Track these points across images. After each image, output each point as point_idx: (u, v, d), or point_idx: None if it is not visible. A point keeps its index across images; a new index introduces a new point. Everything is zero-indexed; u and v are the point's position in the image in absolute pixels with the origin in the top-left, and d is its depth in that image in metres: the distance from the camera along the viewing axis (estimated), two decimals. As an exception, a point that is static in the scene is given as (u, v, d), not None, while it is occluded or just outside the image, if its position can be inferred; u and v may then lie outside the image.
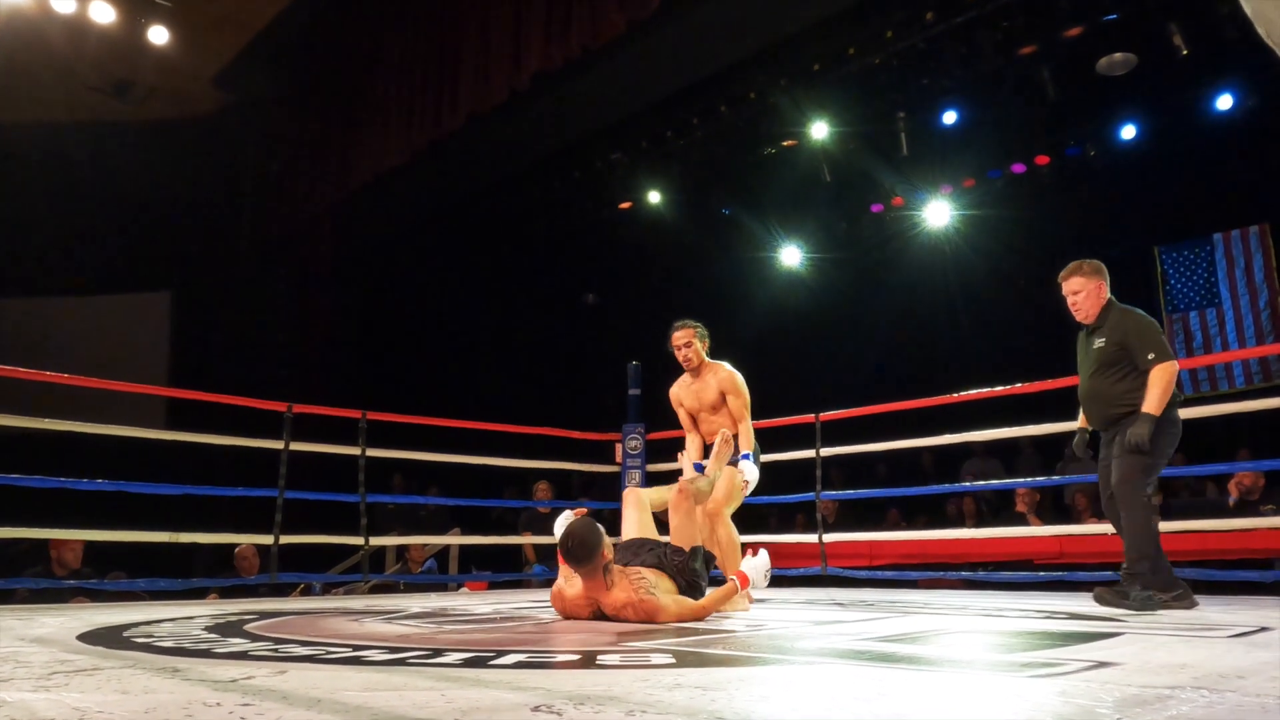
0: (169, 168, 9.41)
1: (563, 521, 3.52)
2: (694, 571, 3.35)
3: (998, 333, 9.59)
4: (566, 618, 3.31)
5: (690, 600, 3.22)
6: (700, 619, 3.19)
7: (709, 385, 4.28)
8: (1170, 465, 5.70)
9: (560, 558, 3.25)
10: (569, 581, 3.27)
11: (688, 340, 4.30)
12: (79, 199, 9.11)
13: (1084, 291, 3.88)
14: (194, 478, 5.56)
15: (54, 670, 1.99)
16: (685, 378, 4.40)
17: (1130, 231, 8.95)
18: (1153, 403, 3.58)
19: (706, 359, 4.34)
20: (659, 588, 3.16)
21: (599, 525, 3.16)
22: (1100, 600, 3.76)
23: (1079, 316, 3.94)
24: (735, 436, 4.11)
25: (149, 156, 9.25)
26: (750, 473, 4.08)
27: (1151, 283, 8.82)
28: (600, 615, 3.19)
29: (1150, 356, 3.64)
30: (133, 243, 9.56)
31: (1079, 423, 4.15)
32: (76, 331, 9.33)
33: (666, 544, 3.51)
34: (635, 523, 3.72)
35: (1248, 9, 1.64)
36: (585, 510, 3.87)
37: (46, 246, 9.19)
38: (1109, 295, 3.94)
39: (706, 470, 4.08)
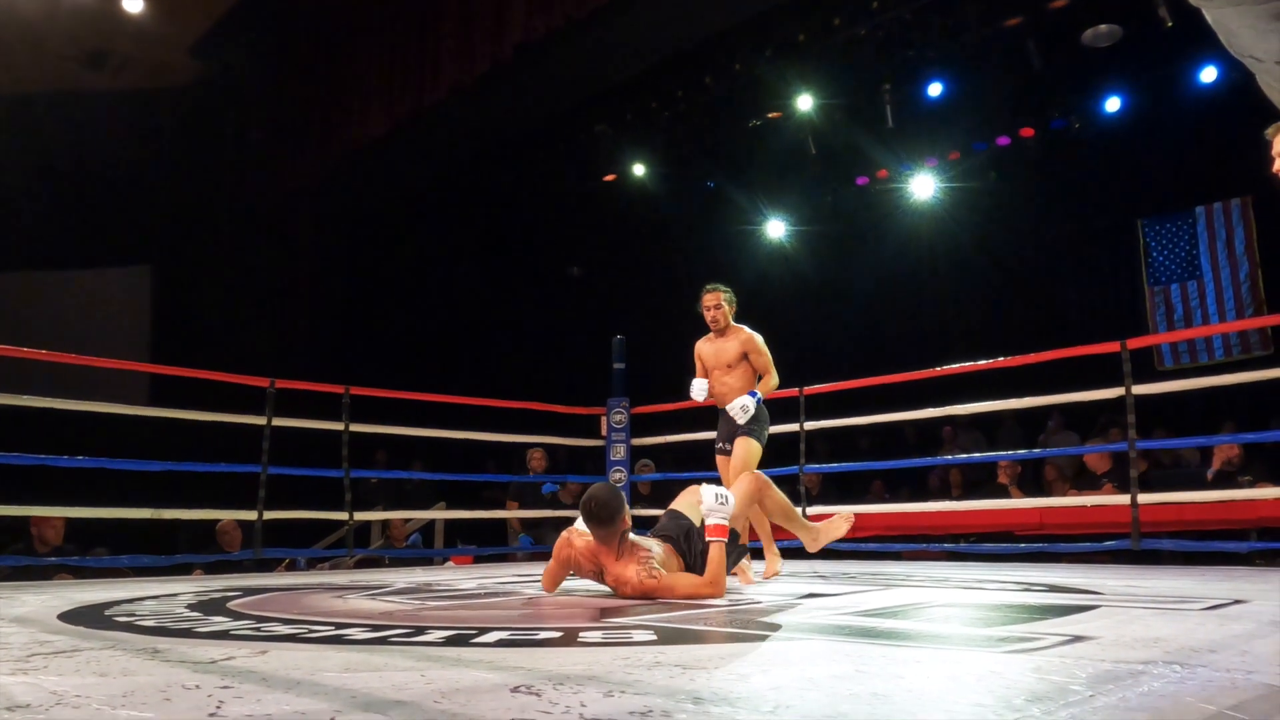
0: (146, 139, 9.27)
1: (713, 493, 3.33)
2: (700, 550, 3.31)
3: (981, 306, 9.64)
4: (565, 568, 3.34)
5: (694, 577, 3.18)
6: (710, 595, 3.13)
7: (730, 345, 4.65)
8: (1151, 439, 5.77)
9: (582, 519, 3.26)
10: (580, 533, 3.29)
11: (717, 303, 4.64)
12: (54, 172, 8.96)
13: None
14: (177, 454, 5.53)
15: (33, 652, 1.98)
16: (711, 335, 4.73)
17: (1113, 204, 8.99)
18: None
19: (732, 322, 4.69)
20: (666, 564, 3.18)
21: (621, 492, 3.17)
22: None
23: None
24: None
25: (125, 128, 9.11)
26: (742, 401, 4.49)
27: (1134, 255, 8.86)
28: (599, 580, 3.24)
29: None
30: (111, 216, 9.43)
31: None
32: (56, 307, 9.21)
33: (693, 525, 3.43)
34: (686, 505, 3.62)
35: (1209, 17, 1.62)
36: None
37: (21, 220, 9.06)
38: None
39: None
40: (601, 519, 3.11)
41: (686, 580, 3.17)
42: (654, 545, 3.26)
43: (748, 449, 4.52)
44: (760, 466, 6.71)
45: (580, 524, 3.33)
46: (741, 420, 4.48)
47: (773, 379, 4.65)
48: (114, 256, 9.90)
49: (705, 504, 3.25)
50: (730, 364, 4.64)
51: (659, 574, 3.11)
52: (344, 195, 10.48)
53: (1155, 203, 8.77)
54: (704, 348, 4.77)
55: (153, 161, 9.44)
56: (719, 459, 4.75)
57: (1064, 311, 9.26)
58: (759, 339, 4.64)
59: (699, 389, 4.68)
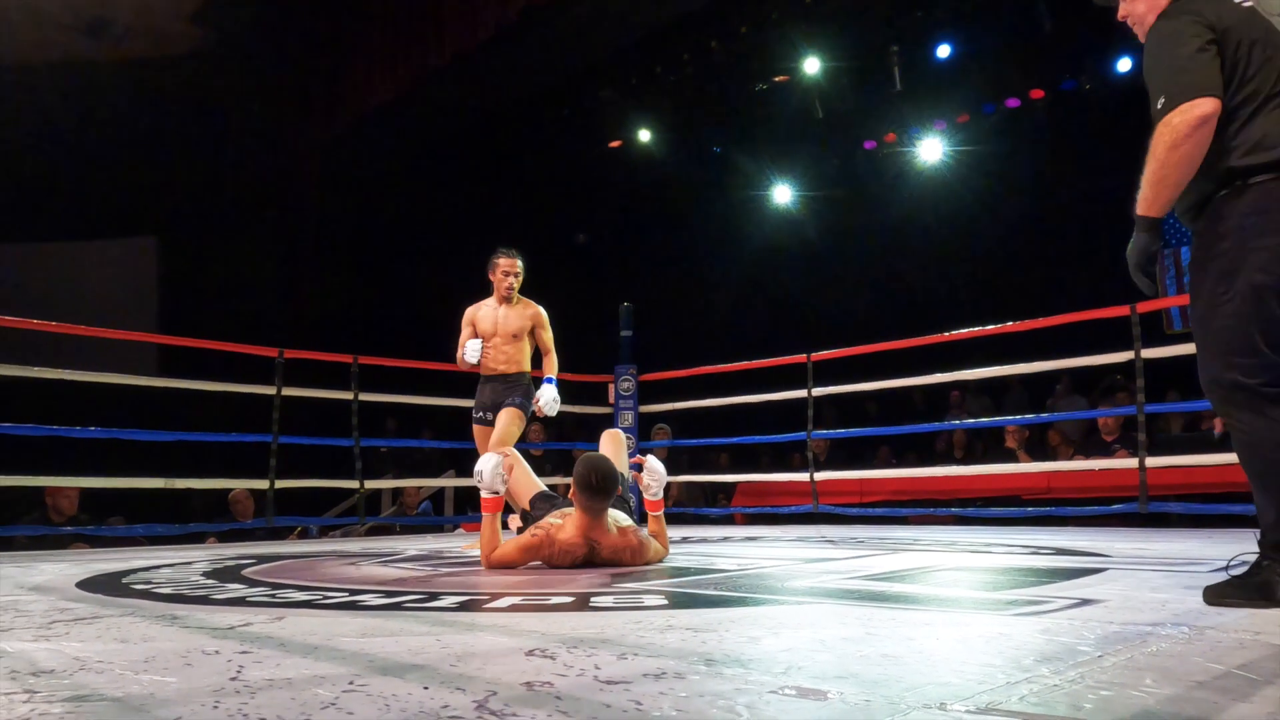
0: (149, 109, 9.22)
1: (490, 466, 3.22)
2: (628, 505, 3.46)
3: (990, 270, 9.58)
4: (530, 559, 3.13)
5: (660, 540, 3.33)
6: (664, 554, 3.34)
7: (517, 315, 4.61)
8: (1161, 401, 5.76)
9: (580, 495, 3.01)
10: (560, 527, 3.10)
11: (519, 270, 4.61)
12: (58, 143, 8.93)
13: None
14: (187, 424, 5.58)
15: (54, 619, 2.01)
16: (491, 301, 4.65)
17: (1124, 165, 8.86)
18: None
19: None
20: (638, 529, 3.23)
21: None
22: None
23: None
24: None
25: (128, 98, 9.06)
26: (552, 393, 4.53)
27: (1145, 218, 8.78)
28: (588, 561, 3.07)
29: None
30: (115, 187, 9.41)
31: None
32: (64, 279, 9.23)
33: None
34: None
35: None
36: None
37: (26, 192, 9.05)
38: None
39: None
40: (609, 491, 3.02)
41: (660, 544, 3.31)
42: (618, 514, 3.25)
43: (510, 420, 4.46)
44: (768, 432, 6.76)
45: (549, 520, 3.16)
46: (552, 412, 4.49)
47: (554, 354, 4.65)
48: (119, 228, 9.89)
49: (647, 484, 3.35)
50: (515, 334, 4.58)
51: (643, 536, 3.21)
52: (349, 163, 10.42)
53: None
54: (484, 314, 4.64)
55: (156, 132, 9.40)
56: (478, 428, 4.61)
57: (1073, 275, 9.21)
58: (546, 314, 4.65)
59: (474, 350, 4.50)
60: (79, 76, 9.00)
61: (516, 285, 4.58)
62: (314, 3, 9.62)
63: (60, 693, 1.25)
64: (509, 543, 3.19)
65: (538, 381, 4.64)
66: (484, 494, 3.26)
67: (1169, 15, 2.01)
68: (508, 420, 4.46)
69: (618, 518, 3.20)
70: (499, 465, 3.24)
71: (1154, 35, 2.02)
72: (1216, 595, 1.97)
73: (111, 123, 8.95)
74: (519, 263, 4.59)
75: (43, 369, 4.78)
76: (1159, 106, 1.93)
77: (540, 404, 4.49)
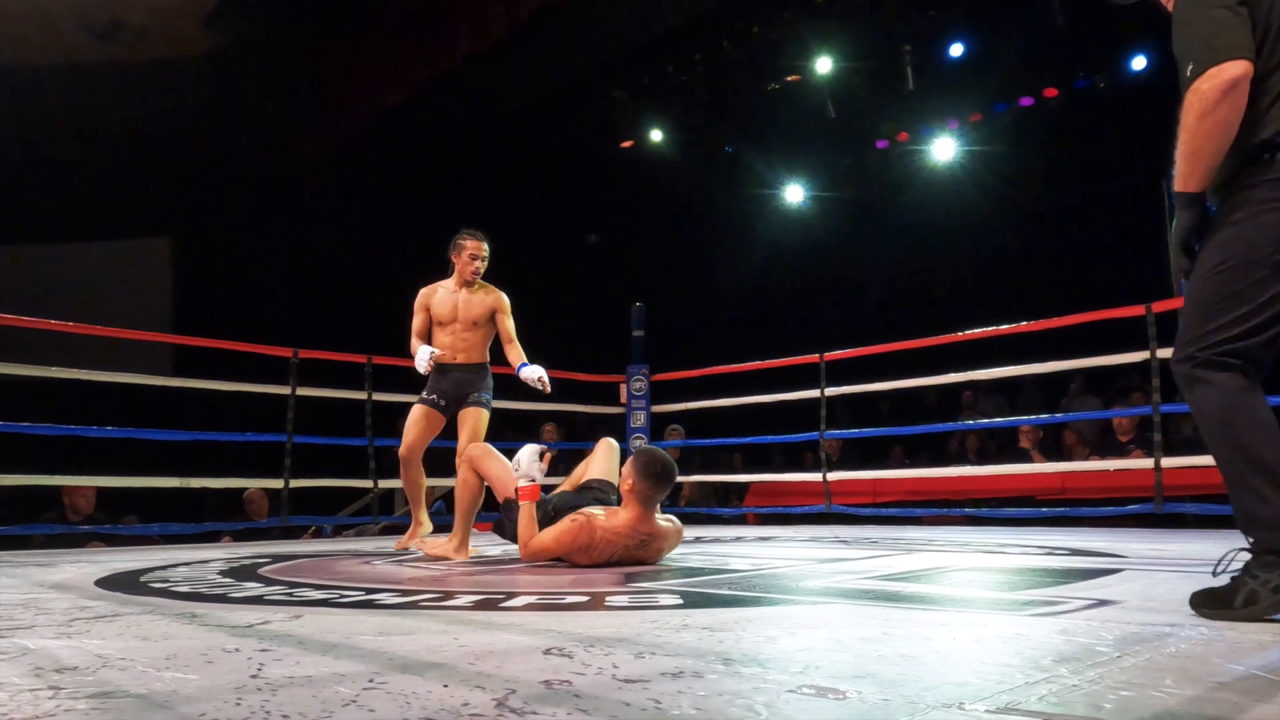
0: (163, 111, 9.27)
1: (528, 454, 3.30)
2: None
3: (1003, 270, 9.55)
4: (585, 558, 3.06)
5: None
6: None
7: (479, 301, 4.23)
8: (1175, 403, 5.70)
9: (643, 484, 3.04)
10: (602, 516, 3.10)
11: (487, 254, 4.26)
12: (73, 145, 9.00)
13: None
14: (203, 424, 5.61)
15: (74, 617, 2.03)
16: (449, 284, 4.28)
17: (1138, 164, 8.84)
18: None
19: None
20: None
21: None
22: None
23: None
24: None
25: (142, 101, 9.11)
26: (539, 370, 4.12)
27: (1159, 215, 8.73)
28: (630, 556, 3.06)
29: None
30: (130, 189, 9.47)
31: None
32: (79, 279, 9.30)
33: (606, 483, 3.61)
34: (604, 468, 3.71)
35: None
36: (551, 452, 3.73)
37: (41, 194, 9.11)
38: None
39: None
40: (672, 479, 3.13)
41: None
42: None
43: (481, 421, 4.20)
44: (780, 431, 6.75)
45: (595, 508, 3.19)
46: (545, 390, 4.11)
47: (518, 342, 4.28)
48: (134, 229, 9.96)
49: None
50: (476, 321, 4.22)
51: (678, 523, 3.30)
52: (362, 164, 10.48)
53: (1181, 163, 8.61)
54: (441, 297, 4.25)
55: (171, 134, 9.45)
56: (425, 409, 4.25)
57: (1088, 274, 9.16)
58: (508, 300, 4.30)
59: (424, 361, 4.07)
60: (93, 79, 9.06)
61: (482, 269, 4.25)
62: (326, 5, 9.66)
63: (85, 689, 1.26)
64: (546, 532, 3.16)
65: (437, 367, 4.22)
66: (521, 482, 3.28)
67: None
68: (477, 420, 4.20)
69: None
70: (536, 453, 3.29)
71: (1181, 1, 1.90)
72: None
73: (126, 125, 9.00)
74: (486, 246, 4.25)
75: (59, 369, 4.81)
76: (1187, 74, 1.81)
77: (539, 379, 4.09)
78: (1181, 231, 1.90)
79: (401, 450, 4.27)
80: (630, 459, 3.16)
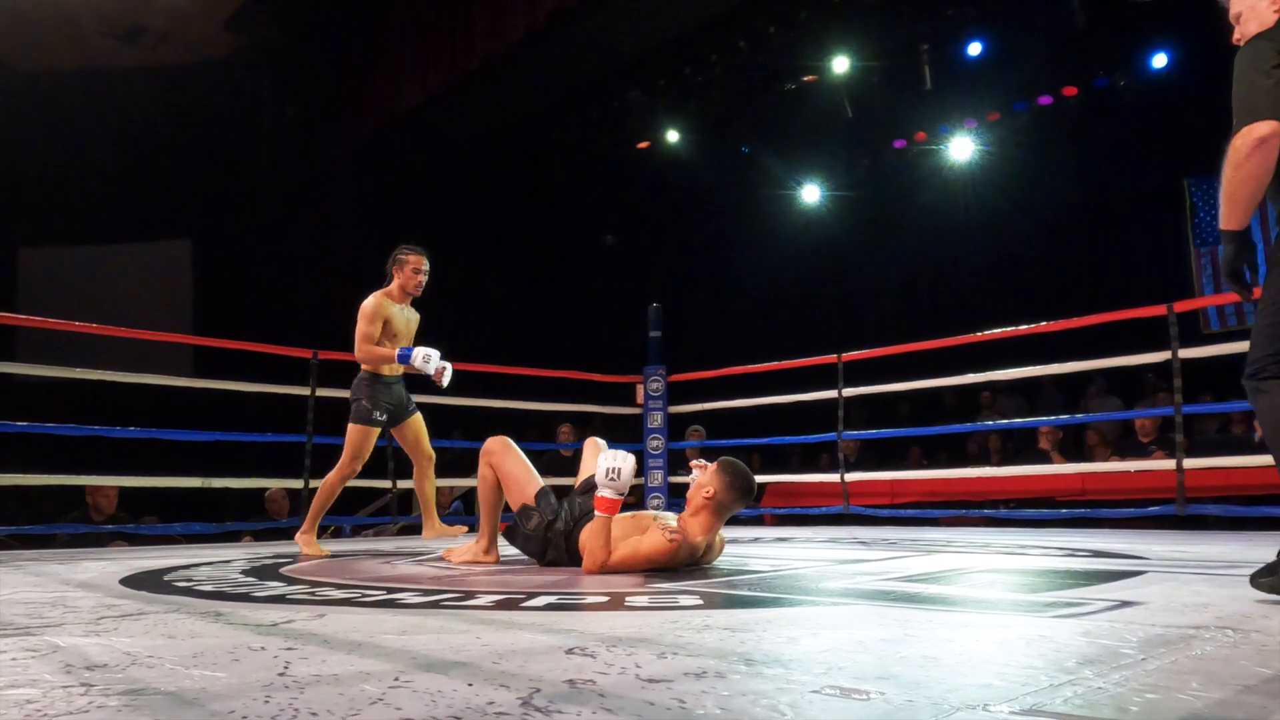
0: (184, 114, 9.36)
1: (630, 466, 2.91)
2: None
3: (1022, 270, 9.49)
4: (648, 565, 2.94)
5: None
6: None
7: (414, 316, 4.50)
8: (1197, 403, 5.68)
9: (727, 495, 2.99)
10: (681, 524, 3.02)
11: (427, 269, 4.43)
12: (95, 148, 9.09)
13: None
14: (223, 424, 5.66)
15: (102, 615, 2.06)
16: (401, 301, 4.43)
17: (1159, 163, 8.77)
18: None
19: None
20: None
21: None
22: None
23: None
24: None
25: (163, 103, 9.20)
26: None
27: (1180, 215, 8.66)
28: (686, 563, 3.01)
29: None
30: (151, 191, 9.56)
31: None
32: (101, 281, 9.40)
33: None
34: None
35: None
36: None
37: (65, 197, 9.21)
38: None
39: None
40: (753, 495, 3.12)
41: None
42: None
43: (422, 423, 4.52)
44: (798, 432, 6.73)
45: (664, 514, 3.15)
46: (443, 382, 4.32)
47: None
48: (155, 231, 10.05)
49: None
50: (413, 335, 4.47)
51: None
52: (380, 166, 10.53)
53: (1202, 161, 8.54)
54: (397, 312, 4.36)
55: (191, 136, 9.55)
56: (370, 430, 4.30)
57: (1108, 274, 9.10)
58: None
59: (436, 355, 4.27)
60: (114, 83, 9.16)
61: (423, 284, 4.43)
62: (346, 8, 9.72)
63: (115, 686, 1.28)
64: (632, 550, 2.93)
65: (377, 379, 4.33)
66: (610, 495, 2.91)
67: (1263, 37, 2.09)
68: (422, 424, 4.52)
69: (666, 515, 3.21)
70: (635, 465, 2.95)
71: (1240, 55, 2.12)
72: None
73: (147, 128, 9.09)
74: (427, 261, 4.44)
75: (82, 370, 4.87)
76: (1233, 126, 2.04)
77: (442, 371, 4.32)
78: (1228, 264, 2.12)
79: (353, 467, 4.32)
80: (715, 469, 3.02)
